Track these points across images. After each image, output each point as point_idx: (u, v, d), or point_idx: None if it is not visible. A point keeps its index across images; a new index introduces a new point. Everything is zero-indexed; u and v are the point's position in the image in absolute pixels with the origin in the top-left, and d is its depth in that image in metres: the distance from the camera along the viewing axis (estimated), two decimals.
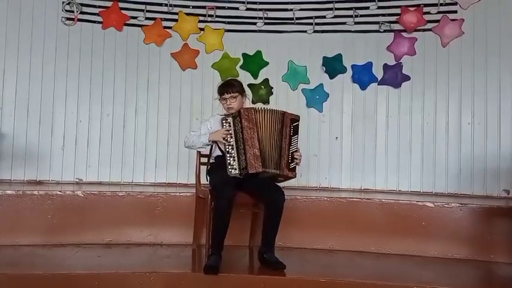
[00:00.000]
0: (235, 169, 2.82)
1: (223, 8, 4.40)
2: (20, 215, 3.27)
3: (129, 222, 3.38)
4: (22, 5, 4.21)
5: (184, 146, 3.14)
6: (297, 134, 2.93)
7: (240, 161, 2.81)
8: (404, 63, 4.24)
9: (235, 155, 2.83)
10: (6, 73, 4.18)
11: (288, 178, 2.95)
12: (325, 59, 4.32)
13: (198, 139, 3.00)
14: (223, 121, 2.90)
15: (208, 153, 3.11)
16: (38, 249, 3.14)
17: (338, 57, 4.32)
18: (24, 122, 4.18)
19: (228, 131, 2.86)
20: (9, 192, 3.32)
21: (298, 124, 2.94)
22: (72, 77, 4.26)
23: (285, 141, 2.87)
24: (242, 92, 3.05)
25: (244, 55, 4.37)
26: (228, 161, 2.83)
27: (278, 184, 2.95)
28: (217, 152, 3.00)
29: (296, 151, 2.92)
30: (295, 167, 2.92)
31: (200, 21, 4.38)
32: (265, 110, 2.91)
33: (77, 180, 4.22)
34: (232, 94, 2.98)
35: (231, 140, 2.85)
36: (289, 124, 2.90)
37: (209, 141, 2.97)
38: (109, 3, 4.31)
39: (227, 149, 2.84)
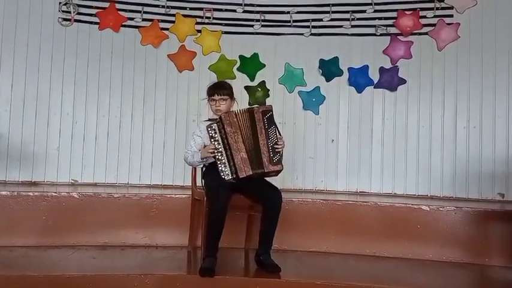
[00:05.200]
0: (228, 175, 2.81)
1: (221, 10, 4.40)
2: (15, 216, 3.25)
3: (124, 224, 3.38)
4: (19, 4, 4.20)
5: (186, 162, 3.14)
6: (274, 125, 2.85)
7: (230, 167, 2.81)
8: (400, 66, 4.26)
9: (225, 161, 2.82)
10: (2, 73, 4.16)
11: (277, 172, 2.87)
12: (321, 61, 4.33)
13: (193, 159, 3.01)
14: (209, 129, 2.86)
15: None
16: (32, 250, 3.12)
17: (335, 60, 4.33)
18: (20, 122, 4.16)
19: (216, 143, 2.82)
20: (3, 193, 3.31)
21: (271, 114, 2.85)
22: (68, 77, 4.25)
23: (261, 137, 2.81)
24: (231, 96, 3.04)
25: (241, 57, 4.37)
26: (220, 168, 2.82)
27: (275, 184, 2.93)
28: (211, 159, 2.97)
29: (276, 143, 2.84)
30: (279, 159, 2.85)
31: (197, 23, 4.38)
32: (241, 111, 2.85)
33: (72, 181, 4.20)
34: (222, 96, 2.98)
35: (219, 146, 2.83)
36: (261, 118, 2.83)
37: (201, 159, 2.97)
38: (106, 4, 4.31)
39: (217, 156, 2.83)
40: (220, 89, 3.00)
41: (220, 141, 2.84)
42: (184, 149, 3.14)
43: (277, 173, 2.89)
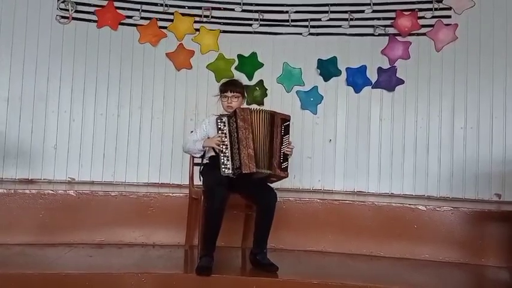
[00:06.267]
0: (229, 169, 2.82)
1: (219, 9, 4.40)
2: (11, 214, 3.24)
3: (121, 222, 3.37)
4: (17, 2, 4.18)
5: (183, 150, 3.19)
6: (288, 134, 2.95)
7: (234, 161, 2.82)
8: (398, 67, 4.26)
9: (229, 154, 2.84)
10: (0, 70, 4.15)
11: (280, 178, 2.95)
12: (320, 61, 4.34)
13: (193, 145, 3.03)
14: (218, 120, 2.91)
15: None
16: (29, 248, 3.11)
17: (333, 60, 4.33)
18: (17, 120, 4.15)
19: (223, 135, 2.86)
20: (0, 190, 3.29)
21: (289, 124, 2.95)
22: (65, 75, 4.24)
23: (275, 141, 2.87)
24: (243, 94, 3.08)
25: (240, 56, 4.37)
26: (222, 161, 2.84)
27: (270, 185, 2.95)
28: (211, 153, 3.00)
29: (287, 151, 2.92)
30: (287, 166, 2.93)
31: (196, 22, 4.38)
32: (256, 110, 2.92)
33: (69, 179, 4.20)
34: (234, 93, 3.01)
35: (226, 139, 2.86)
36: (279, 124, 2.90)
37: (203, 148, 2.99)
38: (104, 2, 4.30)
39: (221, 149, 2.85)
40: (233, 86, 3.04)
41: (227, 135, 2.86)
42: (187, 135, 3.16)
43: (278, 178, 2.94)
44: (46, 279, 2.59)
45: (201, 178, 3.03)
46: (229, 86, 3.04)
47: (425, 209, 3.36)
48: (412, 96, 4.25)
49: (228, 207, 2.80)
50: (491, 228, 3.27)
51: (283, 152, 2.90)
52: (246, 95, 3.15)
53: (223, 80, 3.21)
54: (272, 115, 2.91)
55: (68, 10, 4.24)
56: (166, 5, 4.35)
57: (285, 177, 2.95)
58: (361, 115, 4.31)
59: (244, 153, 2.79)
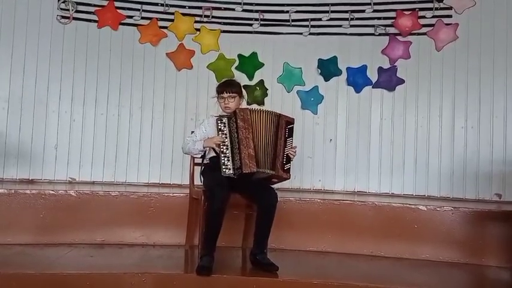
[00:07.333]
0: (229, 169, 2.82)
1: (220, 8, 4.40)
2: (12, 214, 3.24)
3: (121, 222, 3.37)
4: (17, 2, 4.18)
5: (182, 152, 3.20)
6: (292, 137, 2.96)
7: (235, 161, 2.82)
8: (398, 66, 4.26)
9: (230, 155, 2.84)
10: (0, 71, 4.14)
11: (282, 179, 2.97)
12: (320, 61, 4.34)
13: (193, 146, 3.03)
14: (219, 121, 2.91)
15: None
16: (29, 248, 3.12)
17: (333, 60, 4.33)
18: (18, 120, 4.15)
19: (223, 136, 2.86)
20: (1, 190, 3.29)
21: (293, 127, 2.97)
22: (66, 75, 4.24)
23: (280, 142, 2.89)
24: (240, 94, 3.07)
25: (240, 56, 4.37)
26: (222, 161, 2.84)
27: (271, 185, 2.95)
28: (211, 154, 3.00)
29: (290, 154, 2.94)
30: (289, 168, 2.94)
31: (196, 22, 4.38)
32: (260, 111, 2.94)
33: (70, 179, 4.20)
34: (231, 94, 3.00)
35: (226, 140, 2.86)
36: (284, 126, 2.92)
37: (203, 148, 2.99)
38: (105, 2, 4.30)
39: (222, 149, 2.86)
40: (229, 87, 3.04)
41: (227, 135, 2.86)
42: (187, 137, 3.17)
43: (280, 179, 2.95)
44: (46, 279, 2.60)
45: (202, 179, 3.03)
46: (225, 87, 3.03)
47: (425, 209, 3.36)
48: (412, 96, 4.25)
49: (229, 207, 2.81)
50: (491, 228, 3.27)
51: (287, 154, 2.91)
52: (245, 94, 3.15)
53: (221, 81, 3.21)
54: (277, 116, 2.92)
55: (68, 10, 4.24)
56: (166, 5, 4.35)
57: (287, 179, 2.96)
58: (362, 115, 4.30)
59: (244, 153, 2.79)
